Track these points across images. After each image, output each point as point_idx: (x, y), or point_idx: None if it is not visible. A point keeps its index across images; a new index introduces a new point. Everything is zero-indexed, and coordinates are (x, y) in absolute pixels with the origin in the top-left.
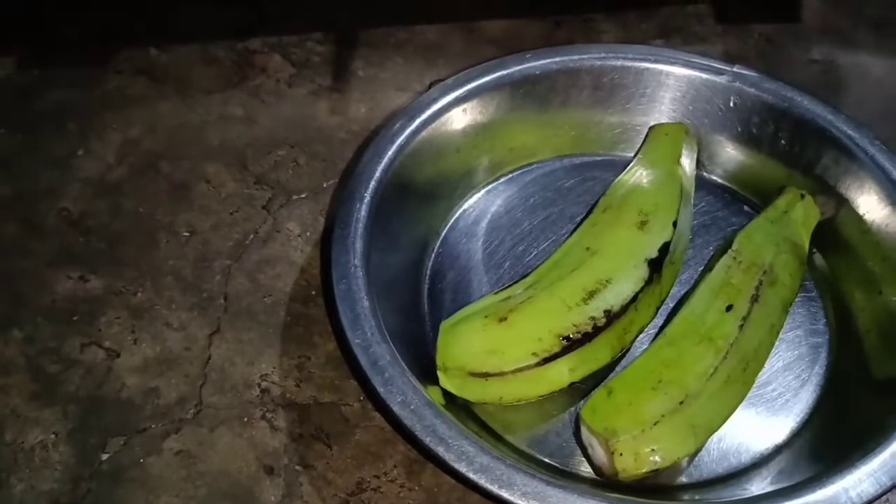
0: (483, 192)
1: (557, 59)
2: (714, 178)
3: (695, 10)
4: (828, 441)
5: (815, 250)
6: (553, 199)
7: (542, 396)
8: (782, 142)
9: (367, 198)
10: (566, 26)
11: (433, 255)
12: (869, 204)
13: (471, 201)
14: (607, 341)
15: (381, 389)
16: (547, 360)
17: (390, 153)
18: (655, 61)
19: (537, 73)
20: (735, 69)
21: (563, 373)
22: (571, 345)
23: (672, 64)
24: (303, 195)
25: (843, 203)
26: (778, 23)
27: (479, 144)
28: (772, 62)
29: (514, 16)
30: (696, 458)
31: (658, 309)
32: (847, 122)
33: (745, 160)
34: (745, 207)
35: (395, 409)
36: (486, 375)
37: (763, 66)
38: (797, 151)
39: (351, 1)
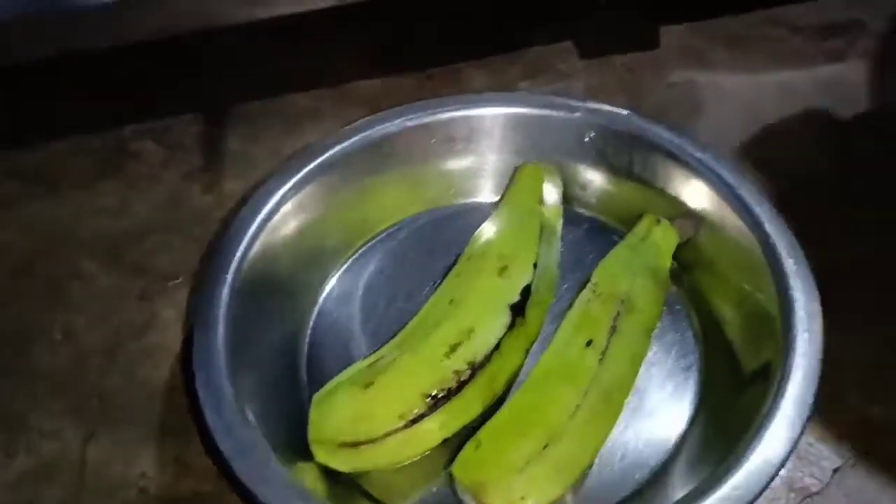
0: (356, 255)
1: (411, 116)
2: (584, 211)
3: (559, 49)
4: (710, 445)
5: (680, 270)
6: (426, 253)
7: (417, 457)
8: (637, 170)
9: (229, 278)
10: (436, 78)
11: (310, 326)
12: (721, 221)
13: (345, 267)
14: (476, 393)
15: (241, 476)
16: (414, 421)
17: (251, 231)
18: (512, 105)
19: (393, 132)
20: (587, 105)
21: (434, 431)
22: (437, 402)
23: (529, 106)
24: (178, 280)
25: (700, 222)
26: (638, 51)
27: (345, 210)
28: (633, 90)
29: (384, 73)
30: (586, 489)
31: (528, 351)
32: (692, 143)
33: (609, 190)
34: (615, 237)
35: (257, 495)
36: (357, 444)
37: (625, 96)
38: (651, 178)
39: (222, 76)
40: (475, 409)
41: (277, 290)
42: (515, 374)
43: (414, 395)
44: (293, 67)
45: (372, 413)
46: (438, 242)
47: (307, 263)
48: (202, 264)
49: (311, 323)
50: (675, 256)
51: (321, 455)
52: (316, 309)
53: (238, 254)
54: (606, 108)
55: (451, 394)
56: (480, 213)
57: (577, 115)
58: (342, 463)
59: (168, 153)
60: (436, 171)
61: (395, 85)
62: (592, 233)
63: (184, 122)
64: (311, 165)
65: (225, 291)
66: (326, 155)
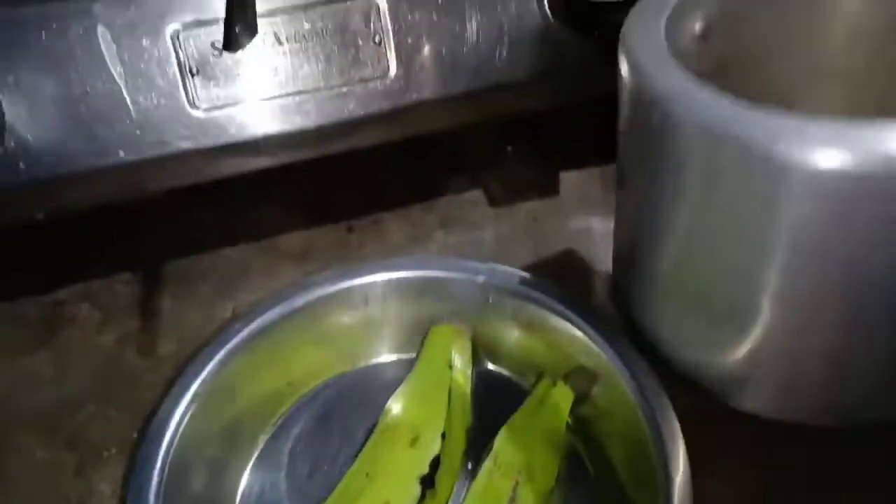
0: (281, 420)
1: (328, 282)
2: (497, 369)
3: (470, 198)
4: None
5: (577, 423)
6: (348, 414)
7: None
8: (536, 328)
9: (160, 458)
10: (358, 230)
11: (238, 497)
12: (608, 375)
13: (271, 433)
14: None
15: None
16: None
17: (181, 408)
18: (422, 269)
19: (313, 299)
20: (489, 266)
21: None
22: None
23: (437, 269)
24: (112, 451)
25: (594, 378)
26: (541, 199)
27: (271, 376)
28: (538, 237)
29: (308, 226)
30: None
31: None
32: (578, 303)
33: (514, 349)
34: (523, 393)
35: None
36: None
37: (531, 245)
38: (550, 335)
39: (156, 233)
40: None
41: (208, 463)
42: None
43: None
44: (220, 222)
45: None
46: (359, 402)
47: (235, 433)
48: (137, 436)
49: (240, 493)
50: (572, 410)
51: None
52: (244, 478)
53: (168, 434)
54: (506, 269)
55: None
56: (399, 368)
57: (480, 277)
58: None
59: (103, 315)
60: (353, 332)
61: (319, 238)
62: (501, 390)
63: (119, 282)
64: (237, 338)
65: (156, 471)
66: (253, 325)
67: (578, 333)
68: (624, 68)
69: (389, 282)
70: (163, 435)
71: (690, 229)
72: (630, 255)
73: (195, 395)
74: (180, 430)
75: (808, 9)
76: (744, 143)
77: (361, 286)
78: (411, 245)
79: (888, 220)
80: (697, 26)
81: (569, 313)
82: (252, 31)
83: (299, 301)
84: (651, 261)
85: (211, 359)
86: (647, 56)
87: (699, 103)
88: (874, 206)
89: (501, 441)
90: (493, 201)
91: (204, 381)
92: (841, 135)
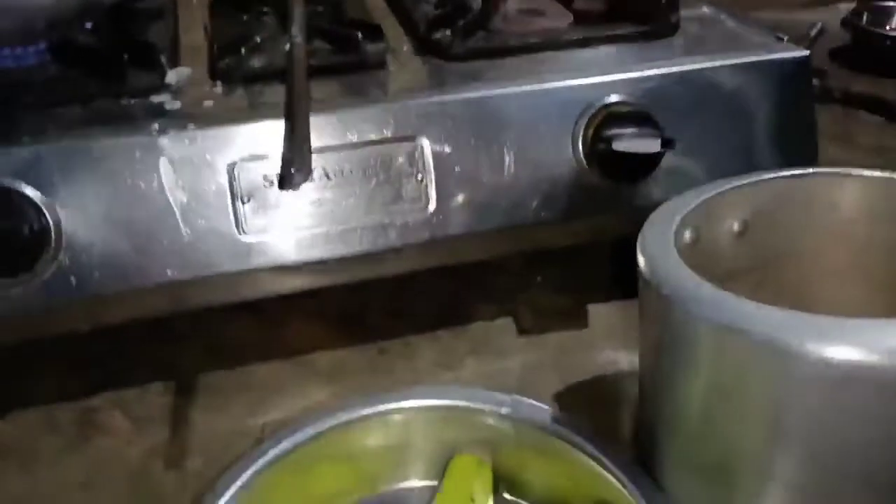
0: None
1: (348, 411)
2: (517, 500)
3: (501, 325)
4: None
5: None
6: None
7: None
8: (559, 462)
9: None
10: (389, 352)
11: None
12: None
13: None
14: None
15: None
16: None
17: None
18: (446, 398)
19: (338, 424)
20: (513, 398)
21: None
22: None
23: (464, 399)
24: None
25: None
26: (570, 330)
27: (289, 500)
28: (564, 369)
29: (342, 345)
30: None
31: None
32: (598, 441)
33: (536, 482)
34: None
35: None
36: None
37: (557, 376)
38: (571, 470)
39: (192, 346)
40: None
41: None
42: None
43: None
44: (255, 338)
45: None
46: None
47: None
48: None
49: None
50: None
51: None
52: None
53: None
54: (530, 402)
55: None
56: (421, 496)
57: (504, 409)
58: None
59: (135, 426)
60: (377, 457)
61: (351, 358)
62: None
63: (152, 393)
64: (261, 462)
65: None
66: (277, 449)
67: (600, 469)
68: (643, 265)
69: (415, 409)
70: None
71: (700, 411)
72: (650, 423)
73: None
74: None
75: (827, 219)
76: (742, 334)
77: (387, 412)
78: (440, 370)
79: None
80: (735, 225)
81: (591, 448)
82: (307, 172)
83: (324, 425)
84: (668, 433)
85: (233, 483)
86: (657, 254)
87: (705, 300)
88: (873, 397)
89: None
90: (523, 330)
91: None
92: (837, 330)
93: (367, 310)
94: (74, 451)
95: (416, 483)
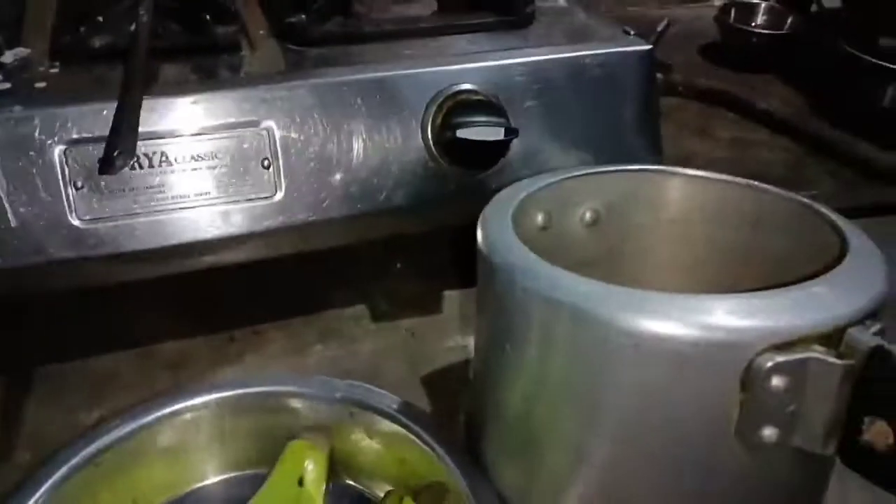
0: None
1: (178, 402)
2: (354, 484)
3: (353, 313)
4: None
5: None
6: None
7: None
8: (391, 444)
9: None
10: (239, 341)
11: None
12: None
13: None
14: None
15: None
16: None
17: None
18: (282, 384)
19: (162, 415)
20: (347, 383)
21: None
22: None
23: (298, 386)
24: None
25: (445, 493)
26: (422, 316)
27: (111, 494)
28: (414, 355)
29: (189, 335)
30: None
31: None
32: (426, 423)
33: (370, 465)
34: None
35: None
36: None
37: (406, 360)
38: (402, 453)
39: (26, 337)
40: None
41: None
42: None
43: None
44: (95, 328)
45: None
46: None
47: None
48: None
49: None
50: None
51: None
52: None
53: None
54: (364, 387)
55: None
56: (254, 484)
57: (339, 394)
58: None
59: None
60: (206, 447)
61: (199, 347)
62: None
63: None
64: (77, 457)
65: None
66: (96, 442)
67: (428, 451)
68: (480, 243)
69: (246, 396)
70: None
71: (529, 388)
72: (477, 405)
73: None
74: None
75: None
76: (572, 308)
77: (214, 401)
78: (290, 357)
79: (700, 383)
80: (587, 214)
81: (419, 430)
82: (129, 156)
83: (147, 417)
84: (490, 414)
85: (47, 479)
86: (498, 235)
87: (537, 273)
88: (691, 371)
89: None
90: (377, 316)
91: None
92: (660, 304)
93: (216, 298)
94: None
95: (249, 472)
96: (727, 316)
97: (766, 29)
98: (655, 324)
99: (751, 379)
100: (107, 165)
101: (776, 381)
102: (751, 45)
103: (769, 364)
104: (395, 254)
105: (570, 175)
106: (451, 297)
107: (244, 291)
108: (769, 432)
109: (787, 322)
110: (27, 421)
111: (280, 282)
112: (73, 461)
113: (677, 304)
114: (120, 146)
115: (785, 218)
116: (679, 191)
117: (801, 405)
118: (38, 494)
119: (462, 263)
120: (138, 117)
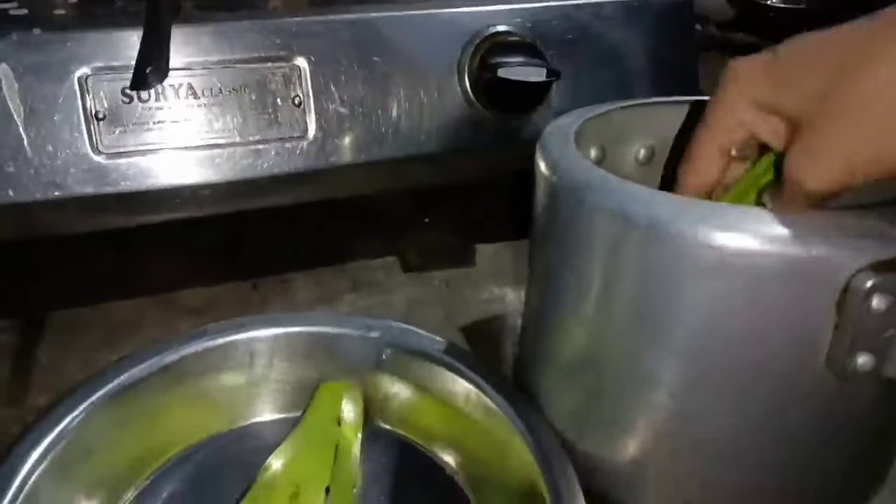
0: (148, 482)
1: (203, 340)
2: (387, 426)
3: (383, 264)
4: None
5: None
6: (224, 476)
7: None
8: (433, 385)
9: None
10: (263, 288)
11: None
12: (505, 433)
13: (136, 495)
14: None
15: None
16: None
17: (28, 466)
18: (312, 325)
19: (189, 354)
20: (384, 323)
21: None
22: None
23: (328, 325)
24: None
25: None
26: (455, 268)
27: (136, 435)
28: (450, 305)
29: (213, 282)
30: None
31: None
32: (468, 356)
33: (408, 406)
34: (416, 449)
35: None
36: None
37: (441, 310)
38: (444, 391)
39: (45, 281)
40: None
41: None
42: None
43: None
44: (116, 273)
45: None
46: (235, 465)
47: (94, 495)
48: None
49: None
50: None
51: None
52: None
53: (11, 492)
54: (401, 326)
55: None
56: (282, 428)
57: (374, 334)
58: None
59: None
60: (233, 390)
61: (223, 294)
62: (392, 449)
63: None
64: (99, 393)
65: None
66: (119, 379)
67: (477, 393)
68: (542, 165)
69: (276, 337)
70: (5, 492)
71: (594, 312)
72: (535, 340)
73: (46, 451)
74: (26, 487)
75: None
76: (648, 222)
77: (244, 341)
78: (319, 306)
79: (773, 302)
80: (641, 151)
81: (466, 371)
82: (163, 72)
83: (172, 356)
84: (554, 345)
85: (68, 413)
86: (561, 153)
87: (606, 187)
88: (777, 290)
89: None
90: (408, 267)
91: (58, 437)
92: (748, 219)
93: (242, 245)
94: None
95: (278, 416)
96: (823, 229)
97: (783, 3)
98: (739, 238)
99: (847, 300)
100: (139, 81)
101: (877, 303)
102: (767, 20)
103: (869, 283)
104: (427, 204)
105: (625, 104)
106: (485, 251)
107: (269, 238)
108: (863, 360)
109: (894, 236)
110: (42, 366)
111: (307, 230)
112: (93, 398)
113: (764, 218)
114: (153, 62)
115: None
116: None
117: None
118: (54, 432)
119: (496, 216)
120: (170, 32)
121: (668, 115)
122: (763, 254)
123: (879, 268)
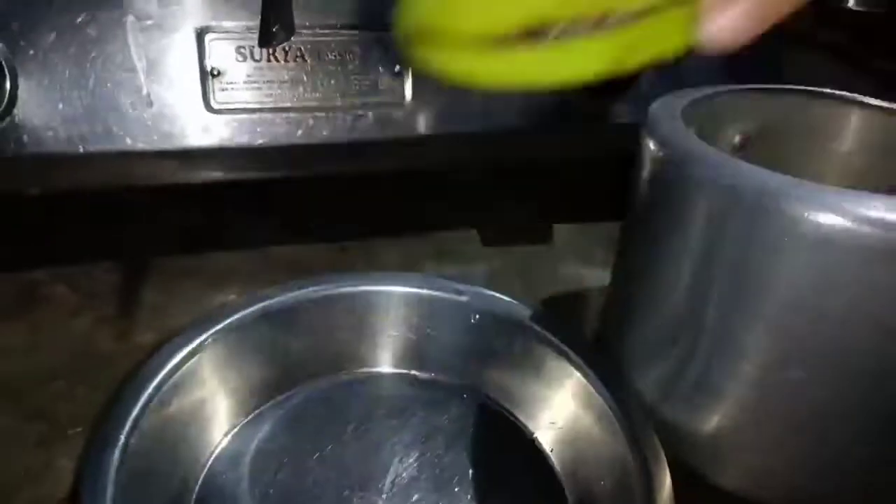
0: (251, 417)
1: (312, 288)
2: (473, 388)
3: (465, 235)
4: None
5: (559, 445)
6: (319, 422)
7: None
8: (515, 350)
9: (122, 439)
10: (351, 251)
11: (198, 488)
12: (594, 402)
13: (238, 428)
14: None
15: None
16: None
17: (149, 391)
18: (409, 285)
19: (291, 303)
20: (473, 289)
21: None
22: None
23: (420, 287)
24: (78, 429)
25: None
26: (535, 244)
27: (245, 372)
28: (528, 279)
29: (302, 241)
30: None
31: None
32: (555, 323)
33: (493, 370)
34: (501, 413)
35: None
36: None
37: (520, 283)
38: (526, 358)
39: (142, 232)
40: None
41: (170, 449)
42: None
43: None
44: (213, 226)
45: None
46: (332, 410)
47: (202, 424)
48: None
49: (199, 484)
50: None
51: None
52: (205, 470)
53: (133, 414)
54: (490, 293)
55: None
56: (375, 382)
57: (464, 297)
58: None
59: (80, 300)
60: (336, 341)
61: (313, 253)
62: (478, 411)
63: (100, 270)
64: (217, 327)
65: (116, 454)
66: (233, 318)
67: (560, 357)
68: (650, 140)
69: (377, 293)
70: (125, 418)
71: (691, 283)
72: (623, 311)
73: (161, 381)
74: (145, 413)
75: (826, 148)
76: (754, 197)
77: (349, 294)
78: (403, 271)
79: (876, 284)
80: (737, 137)
81: (553, 338)
82: (289, 30)
83: (282, 302)
84: (645, 316)
85: (181, 348)
86: (670, 130)
87: (715, 163)
88: (865, 267)
89: None
90: (487, 241)
91: (172, 370)
92: (840, 200)
93: (332, 208)
94: (14, 318)
95: (378, 369)
96: None
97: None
98: (843, 219)
99: None
100: (266, 38)
101: None
102: (845, 27)
103: None
104: (508, 181)
105: (725, 89)
106: (564, 230)
107: (357, 205)
108: None
109: None
110: (146, 306)
111: (392, 198)
112: (206, 335)
113: (869, 201)
114: (279, 20)
115: None
116: (846, 118)
117: None
118: (169, 365)
119: (576, 196)
120: None
121: (764, 102)
122: (866, 235)
123: None
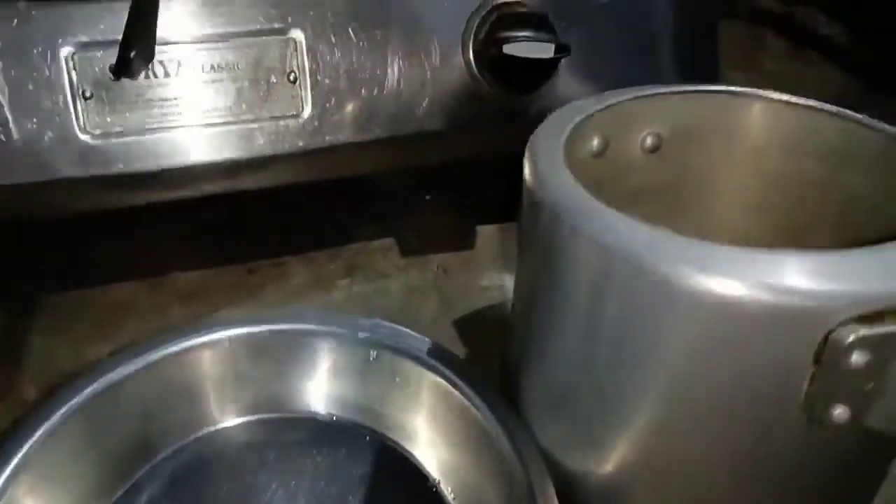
0: (133, 483)
1: (188, 339)
2: (369, 426)
3: (380, 246)
4: None
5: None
6: (207, 477)
7: None
8: (412, 389)
9: None
10: (259, 272)
11: None
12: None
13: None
14: None
15: None
16: None
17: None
18: (299, 322)
19: (172, 353)
20: (373, 322)
21: None
22: None
23: (318, 323)
24: None
25: None
26: (455, 252)
27: (120, 436)
28: (447, 292)
29: (206, 265)
30: None
31: None
32: (453, 360)
33: (390, 406)
34: (397, 451)
35: None
36: None
37: (437, 298)
38: (426, 397)
39: (34, 265)
40: None
41: None
42: None
43: None
44: (107, 256)
45: None
46: (217, 464)
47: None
48: None
49: None
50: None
51: None
52: None
53: None
54: (390, 326)
55: None
56: (262, 429)
57: (362, 334)
58: None
59: None
60: (220, 388)
61: (217, 278)
62: (373, 448)
63: None
64: (75, 400)
65: None
66: (95, 384)
67: (462, 399)
68: (528, 176)
69: (265, 333)
70: None
71: (570, 338)
72: (517, 350)
73: (23, 461)
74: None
75: (739, 147)
76: (629, 257)
77: (228, 338)
78: (314, 292)
79: (766, 350)
80: (649, 140)
81: (450, 374)
82: (148, 57)
83: (152, 356)
84: (538, 365)
85: (43, 422)
86: (550, 168)
87: (589, 213)
88: (756, 336)
89: None
90: (406, 251)
91: (33, 446)
92: (728, 261)
93: (236, 227)
94: None
95: (263, 416)
96: (804, 278)
97: None
98: (721, 282)
99: (827, 353)
100: (123, 67)
101: (857, 358)
102: None
103: (851, 338)
104: (426, 184)
105: (633, 96)
106: (486, 232)
107: (264, 220)
108: (840, 411)
109: (877, 288)
110: (31, 354)
111: (302, 212)
112: (75, 401)
113: (747, 259)
114: (137, 45)
115: (873, 153)
116: (759, 117)
117: (882, 384)
118: (29, 443)
119: (498, 196)
120: (157, 13)
121: (677, 103)
122: (744, 299)
123: (864, 320)
